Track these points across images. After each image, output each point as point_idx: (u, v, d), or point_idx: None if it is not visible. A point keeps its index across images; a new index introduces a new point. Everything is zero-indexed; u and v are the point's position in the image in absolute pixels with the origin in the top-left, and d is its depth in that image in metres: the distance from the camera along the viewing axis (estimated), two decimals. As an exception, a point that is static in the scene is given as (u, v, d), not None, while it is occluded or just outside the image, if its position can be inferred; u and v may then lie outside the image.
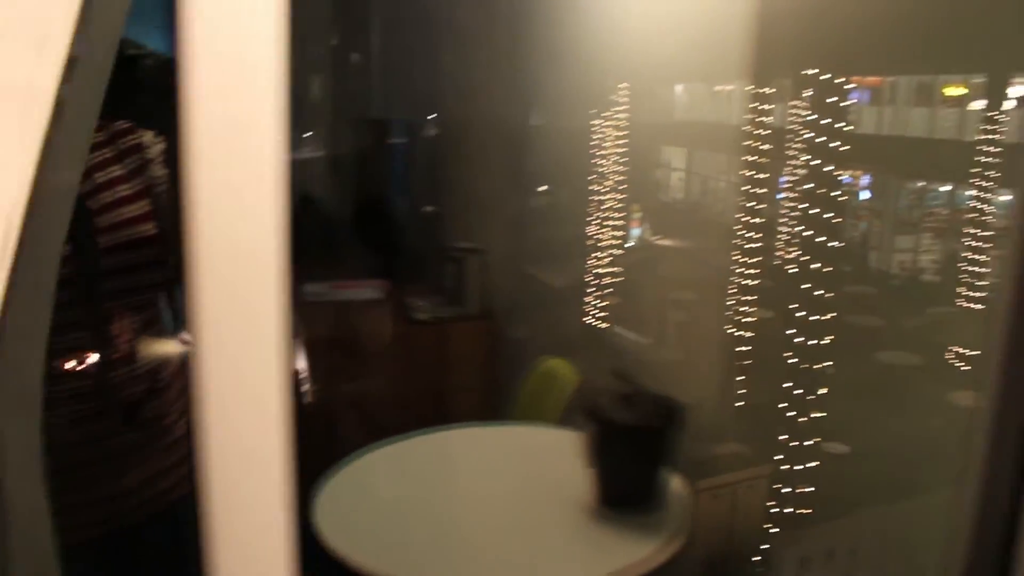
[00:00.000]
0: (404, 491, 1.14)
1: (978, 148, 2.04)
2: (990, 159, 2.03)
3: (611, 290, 2.33)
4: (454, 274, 2.03)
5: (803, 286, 1.76)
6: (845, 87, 1.69)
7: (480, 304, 1.94)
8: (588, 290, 2.35)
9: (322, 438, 1.28)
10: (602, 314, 2.30)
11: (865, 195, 2.17)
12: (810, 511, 1.79)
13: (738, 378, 1.83)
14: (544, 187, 2.54)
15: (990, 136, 1.90)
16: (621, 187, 2.42)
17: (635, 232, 2.37)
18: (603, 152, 2.42)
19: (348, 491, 1.14)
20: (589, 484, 1.06)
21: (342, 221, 2.20)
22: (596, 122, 2.37)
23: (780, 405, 1.80)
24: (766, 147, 1.90)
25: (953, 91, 1.92)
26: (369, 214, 2.25)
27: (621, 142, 2.42)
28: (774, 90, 1.93)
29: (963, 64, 1.70)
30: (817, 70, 1.73)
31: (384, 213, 2.29)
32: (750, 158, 1.94)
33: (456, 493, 1.19)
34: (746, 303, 1.92)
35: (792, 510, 1.78)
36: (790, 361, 1.78)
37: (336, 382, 1.72)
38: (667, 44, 2.19)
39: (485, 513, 1.08)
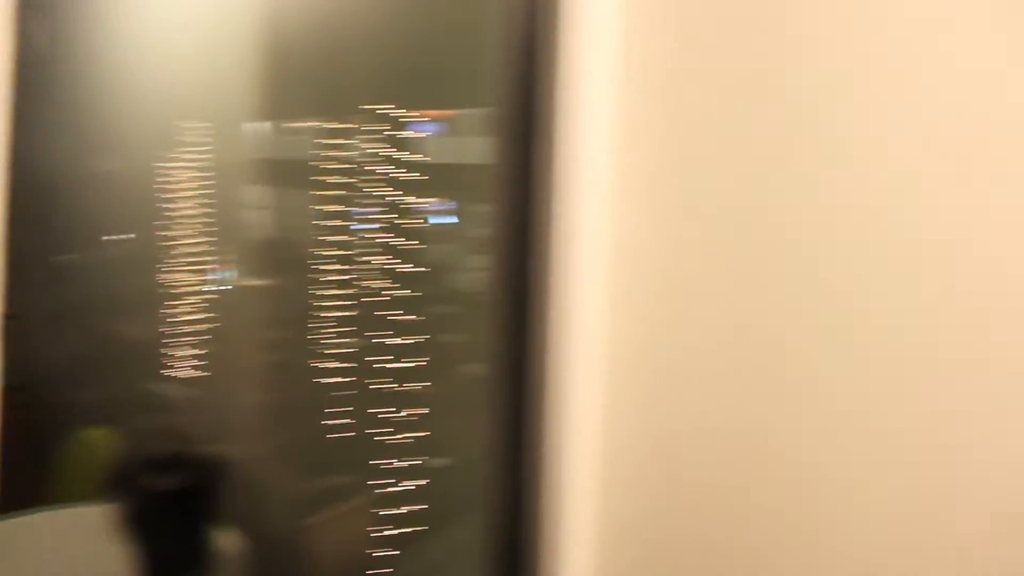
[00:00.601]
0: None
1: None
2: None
3: (198, 338, 2.24)
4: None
5: (392, 313, 1.80)
6: (412, 120, 1.76)
7: (16, 374, 1.73)
8: (171, 341, 2.24)
9: None
10: (186, 365, 2.21)
11: (444, 220, 2.28)
12: (425, 527, 1.83)
13: (333, 409, 1.83)
14: (115, 236, 2.38)
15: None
16: (204, 229, 2.32)
17: (221, 275, 2.28)
18: (178, 195, 2.31)
19: None
20: (129, 560, 0.99)
21: None
22: (165, 164, 2.27)
23: (381, 430, 1.83)
24: (347, 181, 1.93)
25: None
26: None
27: (199, 183, 2.32)
28: (350, 125, 1.97)
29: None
30: (391, 105, 1.80)
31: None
32: (332, 192, 1.96)
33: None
34: (338, 335, 1.92)
35: (404, 530, 1.80)
36: (386, 387, 1.81)
37: None
38: (233, 82, 2.17)
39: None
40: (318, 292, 1.92)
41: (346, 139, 1.94)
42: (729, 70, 1.15)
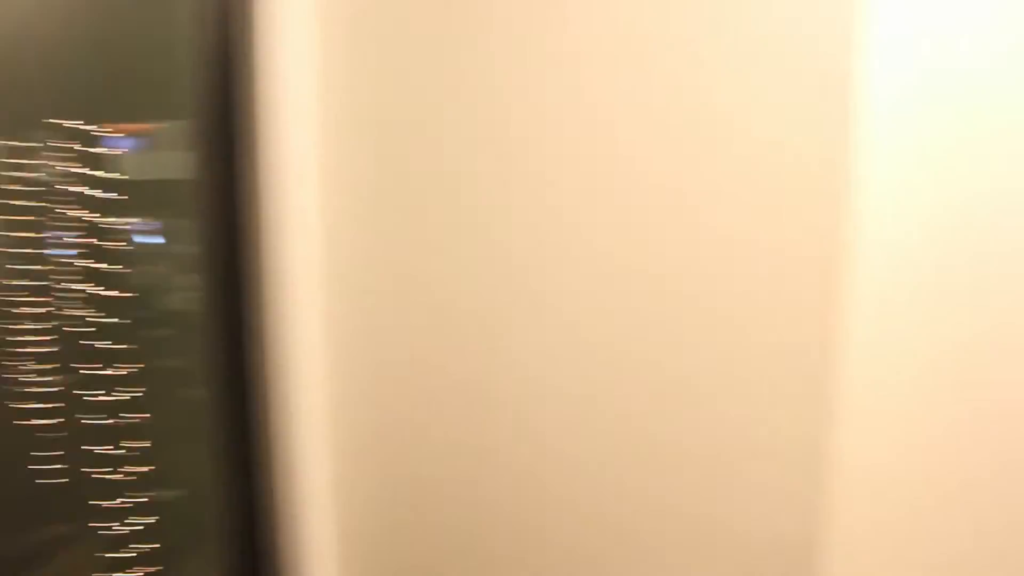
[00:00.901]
0: None
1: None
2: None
3: None
4: None
5: (99, 342, 1.70)
6: (105, 135, 1.66)
7: None
8: None
9: None
10: None
11: (149, 240, 2.16)
12: (159, 567, 1.75)
13: (41, 453, 1.70)
14: None
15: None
16: None
17: None
18: None
19: None
20: None
21: None
22: None
23: (99, 469, 1.72)
24: (35, 204, 1.79)
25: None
26: None
27: None
28: (33, 143, 1.82)
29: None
30: (80, 120, 1.69)
31: None
32: (19, 217, 1.80)
33: None
34: (38, 372, 1.78)
35: (135, 573, 1.71)
36: (98, 421, 1.70)
37: None
38: None
39: None
40: (11, 326, 1.77)
41: (30, 158, 1.79)
42: (426, 74, 1.19)
